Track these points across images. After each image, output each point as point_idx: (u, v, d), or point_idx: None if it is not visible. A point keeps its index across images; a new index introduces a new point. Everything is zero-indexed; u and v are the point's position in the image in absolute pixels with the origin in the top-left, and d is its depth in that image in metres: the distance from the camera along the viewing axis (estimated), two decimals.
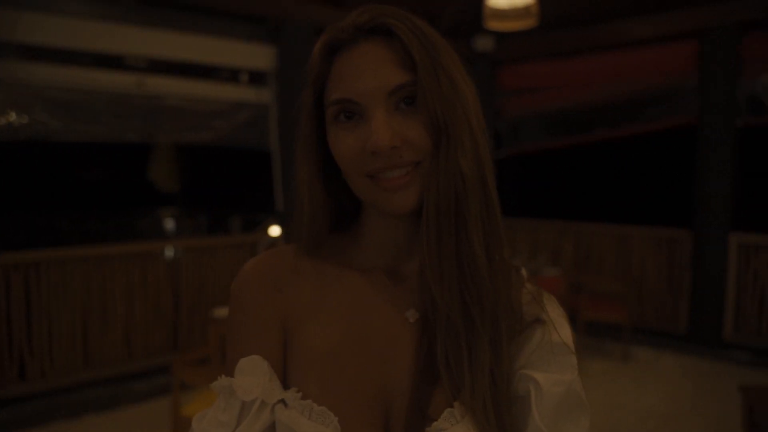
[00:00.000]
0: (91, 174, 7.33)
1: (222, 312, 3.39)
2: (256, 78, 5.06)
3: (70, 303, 3.95)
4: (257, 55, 4.87)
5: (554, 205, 7.12)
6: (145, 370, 4.26)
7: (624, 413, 3.88)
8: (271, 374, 0.69)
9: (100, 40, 4.08)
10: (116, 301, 4.15)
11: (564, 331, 0.71)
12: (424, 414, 0.66)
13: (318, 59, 0.69)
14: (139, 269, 4.27)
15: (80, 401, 3.90)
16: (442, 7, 4.82)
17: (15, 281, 3.74)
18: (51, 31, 3.87)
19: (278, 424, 0.67)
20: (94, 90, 4.17)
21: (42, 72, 3.95)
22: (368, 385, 0.68)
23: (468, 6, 4.73)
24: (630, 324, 4.94)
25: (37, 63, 3.93)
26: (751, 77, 4.90)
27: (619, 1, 5.12)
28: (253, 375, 0.68)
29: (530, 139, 6.67)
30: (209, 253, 4.63)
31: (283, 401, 0.68)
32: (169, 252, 4.50)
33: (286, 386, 0.70)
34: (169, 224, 7.50)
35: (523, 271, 0.76)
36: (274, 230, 4.34)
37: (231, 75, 5.02)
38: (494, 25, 3.94)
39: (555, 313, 0.73)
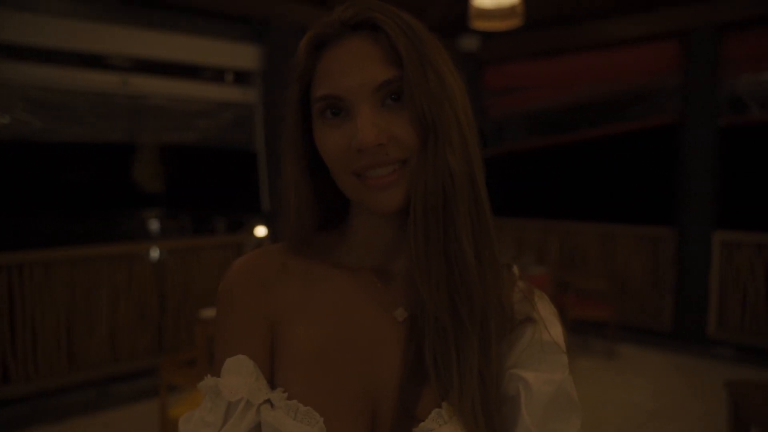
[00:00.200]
0: (74, 175, 7.24)
1: (209, 313, 3.37)
2: (241, 77, 5.04)
3: (54, 305, 3.91)
4: (242, 55, 4.85)
5: (539, 204, 7.14)
6: (130, 373, 4.22)
7: (610, 410, 3.90)
8: (258, 374, 0.68)
9: (83, 40, 4.04)
10: (101, 302, 4.11)
11: (555, 330, 0.71)
12: (411, 414, 0.66)
13: (304, 55, 0.68)
14: (123, 271, 4.23)
15: (65, 404, 3.86)
16: (429, 3, 4.82)
17: None
18: (33, 30, 3.82)
19: (264, 424, 0.66)
20: (77, 90, 4.13)
21: (24, 71, 3.90)
22: (355, 385, 0.68)
23: (453, 6, 4.74)
24: (615, 321, 4.98)
25: (18, 62, 3.88)
26: (732, 77, 4.95)
27: (602, 2, 5.16)
28: (239, 375, 0.67)
29: (515, 139, 6.71)
30: (194, 254, 4.60)
31: (269, 401, 0.67)
32: (154, 253, 4.46)
33: (273, 386, 0.69)
34: (154, 225, 7.43)
35: (515, 269, 0.75)
36: (260, 231, 4.33)
37: (216, 74, 4.99)
38: (480, 24, 3.95)
39: (546, 312, 0.72)
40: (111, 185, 7.31)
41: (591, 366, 4.74)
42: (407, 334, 0.70)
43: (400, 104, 0.64)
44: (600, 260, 5.76)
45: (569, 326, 4.83)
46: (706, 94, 4.97)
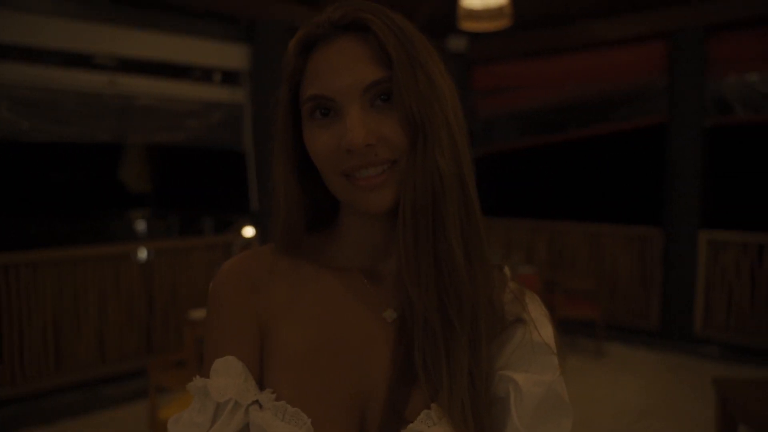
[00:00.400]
0: (61, 175, 7.20)
1: (198, 314, 3.36)
2: (230, 77, 5.02)
3: (41, 306, 3.88)
4: (231, 55, 4.83)
5: (527, 204, 7.18)
6: (119, 374, 4.20)
7: (599, 408, 3.92)
8: (246, 375, 0.68)
9: (70, 39, 4.01)
10: (89, 304, 4.08)
11: (545, 331, 0.70)
12: (400, 415, 0.65)
13: (293, 55, 0.67)
14: (111, 272, 4.20)
15: (53, 407, 3.83)
16: (417, 3, 4.83)
17: None
18: (19, 29, 3.79)
19: (252, 425, 0.66)
20: (64, 89, 4.10)
21: (9, 71, 3.86)
22: (344, 386, 0.67)
23: (442, 6, 4.75)
24: (603, 321, 5.00)
25: (4, 61, 3.84)
26: (718, 78, 5.00)
27: (590, 3, 5.19)
28: (227, 376, 0.67)
29: (503, 139, 6.72)
30: (182, 255, 4.58)
31: (257, 402, 0.67)
32: (141, 254, 4.44)
33: (263, 387, 0.69)
34: (141, 226, 7.41)
35: (506, 270, 0.75)
36: (248, 231, 4.31)
37: (204, 74, 4.97)
38: (468, 25, 3.97)
39: (537, 313, 0.72)
40: (99, 186, 7.27)
41: (579, 365, 4.76)
42: (396, 335, 0.70)
43: (389, 105, 0.63)
44: (588, 260, 5.79)
45: (557, 326, 4.85)
46: (693, 95, 5.01)
